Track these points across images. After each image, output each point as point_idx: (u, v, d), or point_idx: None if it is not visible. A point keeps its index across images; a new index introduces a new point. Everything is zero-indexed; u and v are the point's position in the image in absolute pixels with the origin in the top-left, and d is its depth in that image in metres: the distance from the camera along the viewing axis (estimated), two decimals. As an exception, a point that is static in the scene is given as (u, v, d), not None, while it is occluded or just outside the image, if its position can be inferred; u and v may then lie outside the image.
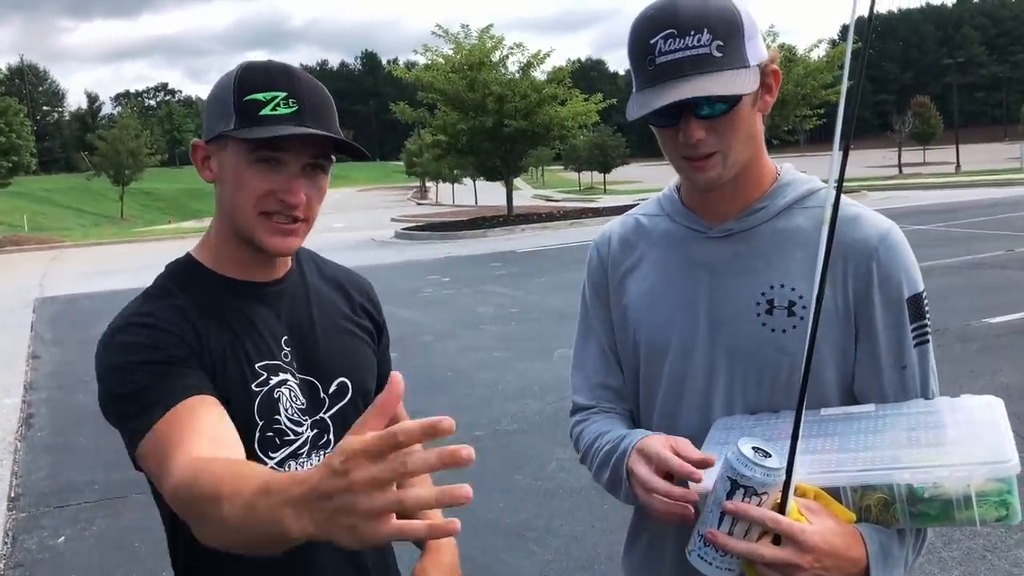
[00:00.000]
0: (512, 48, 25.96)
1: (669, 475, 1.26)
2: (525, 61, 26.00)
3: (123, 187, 55.67)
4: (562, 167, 74.45)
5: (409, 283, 14.20)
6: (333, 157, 1.40)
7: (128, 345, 1.31)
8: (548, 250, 18.42)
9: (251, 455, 1.33)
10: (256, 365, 1.38)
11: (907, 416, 1.27)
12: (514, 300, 11.94)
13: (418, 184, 75.27)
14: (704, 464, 1.22)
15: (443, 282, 14.27)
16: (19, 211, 44.80)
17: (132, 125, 56.45)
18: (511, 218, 26.25)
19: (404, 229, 26.39)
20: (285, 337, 1.44)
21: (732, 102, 1.29)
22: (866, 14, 1.19)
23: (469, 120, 24.98)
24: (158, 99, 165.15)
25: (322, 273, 1.59)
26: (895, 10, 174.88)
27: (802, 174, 1.47)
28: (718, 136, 1.31)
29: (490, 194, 48.34)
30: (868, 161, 68.86)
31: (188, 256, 1.48)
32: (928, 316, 1.37)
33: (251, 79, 1.33)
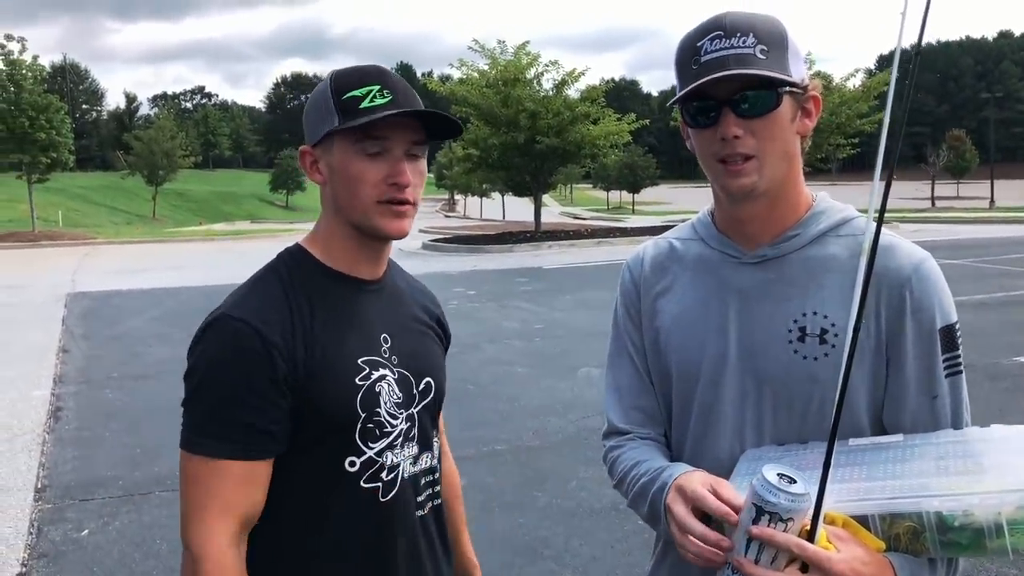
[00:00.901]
0: (547, 66, 26.09)
1: (705, 514, 1.25)
2: (559, 79, 26.10)
3: (156, 187, 56.38)
4: (591, 185, 74.44)
5: (435, 294, 14.19)
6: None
7: (228, 345, 1.38)
8: (574, 268, 18.42)
9: (351, 445, 1.44)
10: (359, 360, 1.46)
11: (936, 446, 1.27)
12: (539, 316, 11.94)
13: (447, 197, 75.58)
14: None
15: (468, 295, 14.30)
16: (55, 207, 45.45)
17: (168, 126, 57.25)
18: (538, 234, 26.28)
19: (432, 240, 26.49)
20: (385, 334, 1.52)
21: (772, 104, 1.31)
22: (909, 45, 1.21)
23: (501, 135, 25.09)
24: (195, 102, 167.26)
25: (407, 281, 1.70)
26: (934, 42, 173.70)
27: (837, 203, 1.47)
28: (756, 139, 1.32)
29: (518, 209, 48.43)
30: (901, 193, 68.21)
31: (299, 247, 1.54)
32: (960, 347, 1.37)
33: (346, 80, 1.43)
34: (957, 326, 1.37)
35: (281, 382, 1.38)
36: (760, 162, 1.33)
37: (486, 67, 25.99)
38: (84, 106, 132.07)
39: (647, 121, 26.98)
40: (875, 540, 1.16)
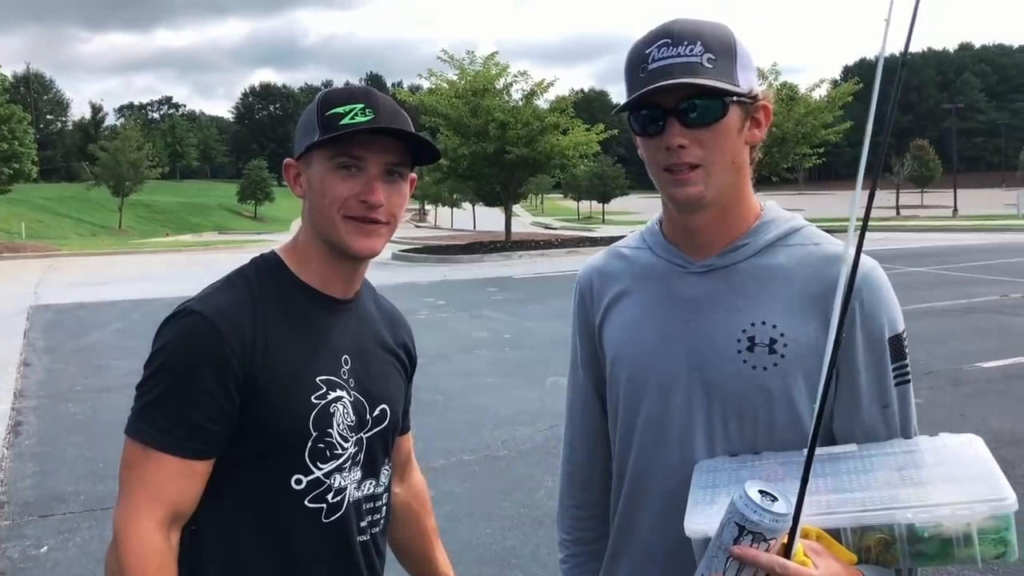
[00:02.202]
0: (516, 76, 26.19)
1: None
2: (528, 89, 26.21)
3: (122, 198, 55.71)
4: (561, 195, 74.74)
5: (404, 305, 13.98)
6: (413, 171, 1.51)
7: (187, 338, 1.38)
8: (545, 277, 18.45)
9: (299, 463, 1.43)
10: (318, 378, 1.45)
11: (892, 456, 1.27)
12: (509, 326, 11.94)
13: (417, 207, 75.47)
14: None
15: (438, 305, 14.26)
16: (17, 218, 44.75)
17: (134, 137, 56.60)
18: (509, 244, 26.31)
19: (401, 251, 26.42)
20: (346, 355, 1.51)
21: (718, 114, 1.30)
22: (889, 53, 1.19)
23: (471, 145, 25.13)
24: (162, 112, 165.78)
25: (377, 304, 1.68)
26: (896, 54, 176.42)
27: (785, 212, 1.47)
28: (702, 148, 1.31)
29: (489, 219, 48.47)
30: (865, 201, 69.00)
31: (274, 255, 1.54)
32: (908, 356, 1.37)
33: (333, 98, 1.45)
34: (905, 335, 1.37)
35: (232, 386, 1.37)
36: (706, 172, 1.32)
37: (455, 77, 26.03)
38: (48, 116, 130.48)
39: (616, 131, 27.12)
40: (847, 553, 1.16)
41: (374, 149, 1.42)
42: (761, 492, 1.10)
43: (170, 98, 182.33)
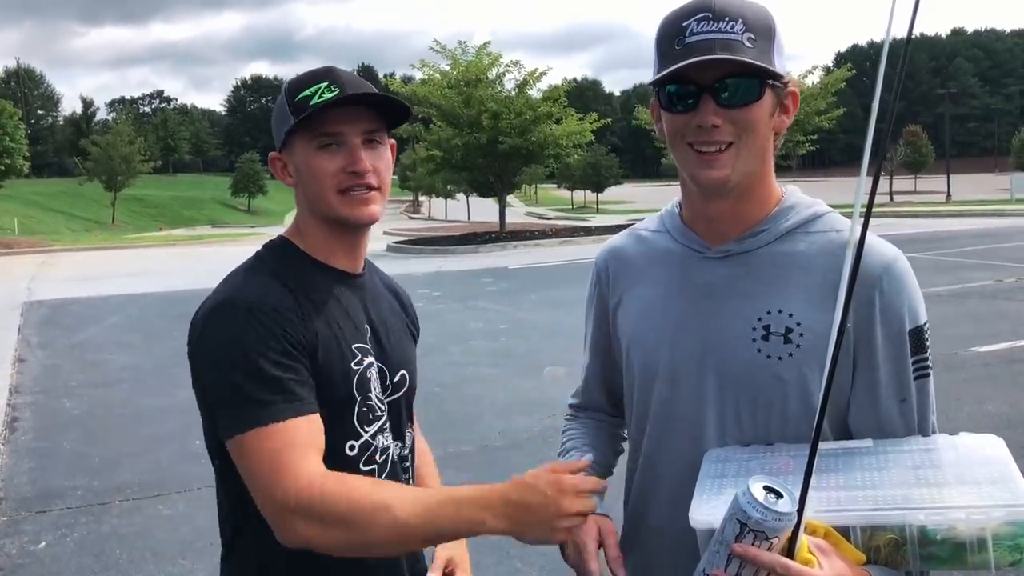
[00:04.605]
0: (509, 66, 26.10)
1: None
2: (521, 79, 26.12)
3: (115, 193, 55.49)
4: (555, 185, 74.67)
5: (400, 297, 14.14)
6: (387, 135, 1.54)
7: (246, 320, 1.37)
8: (539, 267, 18.44)
9: (350, 428, 1.48)
10: (353, 346, 1.50)
11: (909, 454, 1.25)
12: (504, 316, 11.93)
13: (411, 198, 75.32)
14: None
15: (433, 296, 14.25)
16: (9, 214, 44.55)
17: (126, 131, 56.35)
18: (503, 235, 26.27)
19: (396, 243, 26.37)
20: (366, 325, 1.56)
21: (755, 95, 1.26)
22: (890, 37, 1.18)
23: (464, 136, 25.05)
24: (153, 106, 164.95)
25: (381, 278, 1.75)
26: (895, 36, 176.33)
27: (807, 198, 1.43)
28: (735, 128, 1.27)
29: (483, 210, 48.40)
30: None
31: (282, 238, 1.58)
32: (929, 349, 1.33)
33: (298, 83, 1.49)
34: (926, 327, 1.33)
35: (301, 356, 1.40)
36: (736, 154, 1.28)
37: (448, 68, 25.94)
38: (40, 111, 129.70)
39: (609, 121, 27.08)
40: (855, 552, 1.13)
41: (348, 121, 1.46)
42: (766, 488, 1.07)
43: (162, 92, 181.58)
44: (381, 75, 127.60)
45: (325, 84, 1.45)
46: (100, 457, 6.17)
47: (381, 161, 1.50)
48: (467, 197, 49.82)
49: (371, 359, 1.53)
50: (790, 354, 1.31)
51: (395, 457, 1.58)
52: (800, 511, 1.08)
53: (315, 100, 1.44)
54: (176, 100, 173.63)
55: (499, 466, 5.68)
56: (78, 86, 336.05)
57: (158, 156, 78.01)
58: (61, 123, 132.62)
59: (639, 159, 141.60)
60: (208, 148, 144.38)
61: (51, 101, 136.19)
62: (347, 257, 1.57)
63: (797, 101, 1.35)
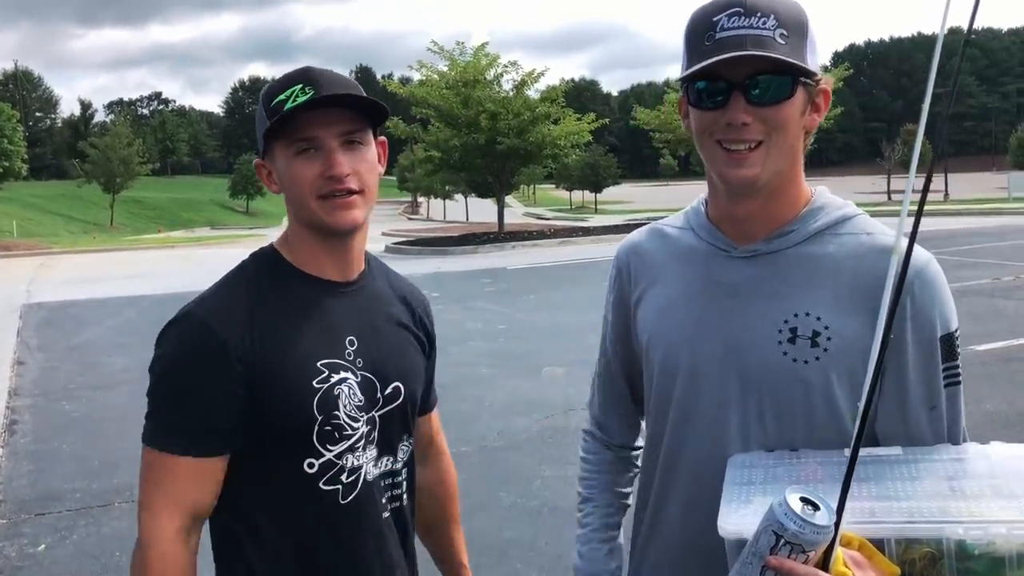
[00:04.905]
0: (506, 66, 26.10)
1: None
2: (519, 79, 26.13)
3: (113, 195, 55.45)
4: (553, 185, 74.66)
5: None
6: (371, 134, 1.49)
7: (184, 343, 1.42)
8: (538, 268, 18.43)
9: (309, 447, 1.45)
10: (318, 363, 1.46)
11: (941, 463, 1.22)
12: (503, 317, 11.93)
13: (410, 199, 75.29)
14: None
15: (432, 297, 14.19)
16: (8, 217, 44.51)
17: (124, 133, 56.26)
18: (502, 235, 26.27)
19: (394, 243, 26.36)
20: (351, 336, 1.52)
21: (787, 93, 1.23)
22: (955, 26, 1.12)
23: (462, 136, 25.06)
24: (151, 108, 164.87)
25: (390, 282, 1.70)
26: (886, 39, 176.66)
27: (837, 198, 1.39)
28: (765, 127, 1.24)
29: (481, 211, 48.38)
30: (857, 187, 69.38)
31: (271, 248, 1.56)
32: (960, 356, 1.30)
33: (274, 87, 1.46)
34: (957, 334, 1.30)
35: (236, 382, 1.40)
36: (766, 153, 1.25)
37: (446, 68, 25.95)
38: (38, 114, 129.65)
39: (607, 121, 27.08)
40: (890, 565, 1.10)
41: (324, 124, 1.42)
42: (803, 500, 1.04)
43: (160, 93, 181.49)
44: (379, 76, 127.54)
45: (299, 86, 1.42)
46: (99, 459, 6.16)
47: (362, 163, 1.46)
48: (465, 198, 49.80)
49: (345, 374, 1.48)
50: (816, 358, 1.28)
51: (371, 476, 1.53)
52: (837, 522, 1.05)
53: (289, 104, 1.41)
54: (174, 102, 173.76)
55: (497, 467, 5.69)
56: (76, 88, 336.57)
57: (156, 158, 78.03)
58: (59, 125, 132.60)
59: (637, 159, 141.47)
60: (206, 150, 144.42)
61: (49, 103, 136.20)
62: (335, 265, 1.54)
63: (829, 99, 1.32)
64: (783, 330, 1.30)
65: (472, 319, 11.83)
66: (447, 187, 47.62)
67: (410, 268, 19.27)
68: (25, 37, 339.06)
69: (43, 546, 4.73)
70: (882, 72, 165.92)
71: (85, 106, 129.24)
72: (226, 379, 1.40)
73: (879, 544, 1.11)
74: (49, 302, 15.40)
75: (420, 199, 69.19)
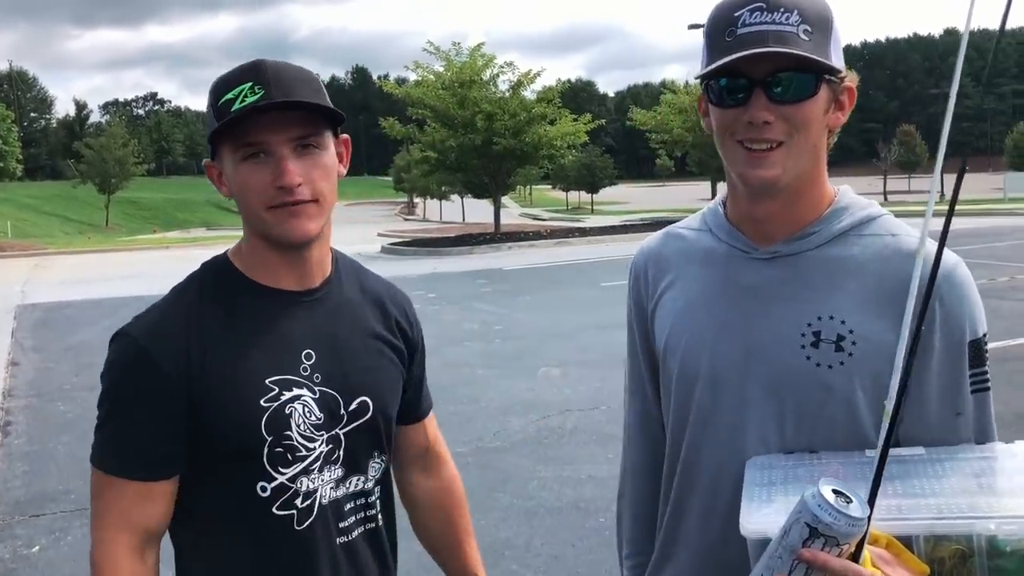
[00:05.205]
0: (503, 67, 26.10)
1: None
2: (515, 80, 26.13)
3: (109, 196, 55.35)
4: (550, 186, 74.67)
5: (394, 298, 14.14)
6: (329, 135, 1.38)
7: (120, 363, 1.36)
8: (534, 268, 18.42)
9: (260, 470, 1.36)
10: (267, 380, 1.36)
11: (967, 461, 1.19)
12: (499, 317, 11.92)
13: (406, 200, 75.27)
14: None
15: (428, 298, 14.23)
16: (3, 217, 44.37)
17: (120, 134, 56.16)
18: (498, 236, 26.27)
19: (391, 244, 26.34)
20: (308, 350, 1.41)
21: (810, 90, 1.20)
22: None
23: (458, 137, 25.05)
24: (147, 109, 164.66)
25: (363, 286, 1.56)
26: (882, 39, 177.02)
27: (861, 198, 1.35)
28: (787, 126, 1.20)
29: (477, 211, 48.37)
30: (854, 187, 69.27)
31: (224, 257, 1.46)
32: (988, 362, 1.28)
33: (222, 84, 1.34)
34: (985, 338, 1.27)
35: (174, 403, 1.33)
36: (788, 152, 1.21)
37: (442, 69, 25.95)
38: (32, 114, 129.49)
39: (603, 121, 27.11)
40: (919, 563, 1.07)
41: (274, 128, 1.30)
42: (835, 492, 1.01)
43: (155, 94, 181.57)
44: (375, 76, 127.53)
45: (248, 85, 1.29)
46: (94, 460, 6.14)
47: (316, 169, 1.33)
48: (462, 198, 49.78)
49: (299, 391, 1.38)
50: (841, 363, 1.24)
51: (328, 499, 1.42)
52: (869, 517, 1.02)
53: (236, 105, 1.29)
54: (170, 102, 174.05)
55: (494, 467, 5.68)
56: (72, 88, 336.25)
57: (152, 158, 77.93)
58: (54, 126, 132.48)
59: (633, 160, 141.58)
60: (202, 150, 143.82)
61: (44, 104, 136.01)
62: (293, 274, 1.42)
63: (854, 97, 1.28)
64: (806, 333, 1.26)
65: (468, 320, 11.82)
66: (443, 188, 47.60)
67: (406, 269, 19.26)
68: (21, 38, 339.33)
69: (37, 547, 4.71)
70: (878, 73, 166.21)
71: (80, 107, 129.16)
72: (162, 401, 1.32)
73: (906, 542, 1.09)
74: (44, 303, 15.36)
75: (416, 200, 69.13)
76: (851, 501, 1.01)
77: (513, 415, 6.90)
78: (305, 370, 1.40)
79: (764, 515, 1.12)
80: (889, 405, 1.08)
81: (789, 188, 1.26)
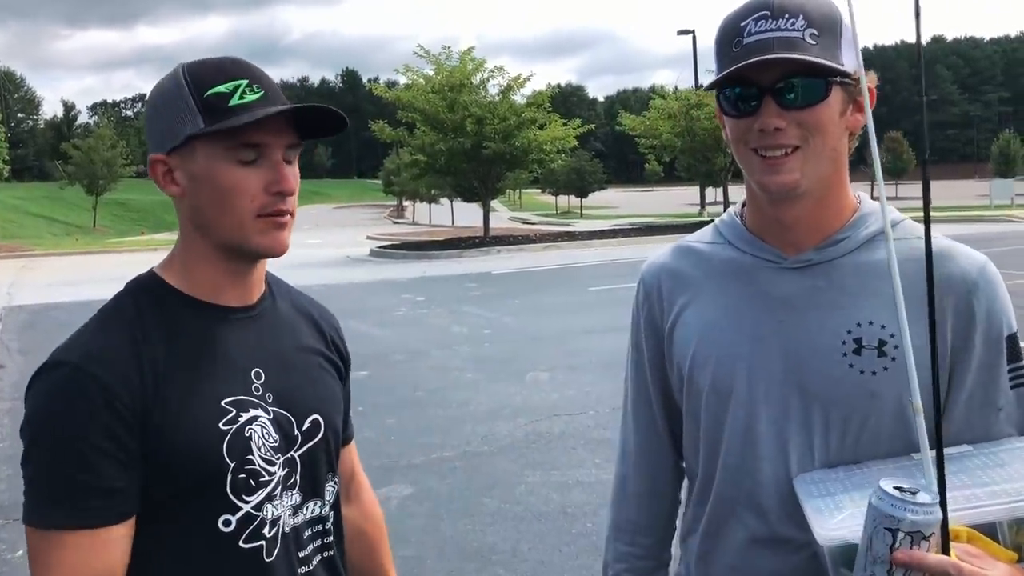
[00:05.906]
0: (493, 71, 26.13)
1: None
2: (505, 84, 26.17)
3: (96, 197, 55.12)
4: (539, 190, 74.76)
5: (383, 302, 14.14)
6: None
7: (61, 396, 1.18)
8: (524, 272, 18.43)
9: (223, 500, 1.24)
10: (223, 402, 1.26)
11: (1020, 449, 1.18)
12: (488, 321, 11.92)
13: (395, 203, 75.22)
14: None
15: (417, 301, 14.22)
16: (-11, 218, 44.22)
17: (108, 135, 55.95)
18: (487, 239, 26.26)
19: (380, 247, 26.29)
20: (257, 369, 1.32)
21: (820, 95, 1.19)
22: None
23: (448, 141, 25.04)
24: (136, 110, 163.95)
25: (294, 302, 1.48)
26: (870, 47, 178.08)
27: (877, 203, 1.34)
28: (800, 131, 1.20)
29: (467, 215, 48.39)
30: (841, 194, 69.82)
31: (151, 273, 1.33)
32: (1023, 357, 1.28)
33: (205, 74, 1.24)
34: (1017, 335, 1.27)
35: (125, 434, 1.18)
36: (804, 157, 1.21)
37: (432, 73, 25.96)
38: (20, 115, 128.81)
39: (593, 126, 27.15)
40: (1006, 552, 1.04)
41: (273, 132, 1.23)
42: (897, 488, 0.99)
43: (144, 95, 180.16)
44: (365, 80, 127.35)
45: (245, 82, 1.22)
46: (79, 464, 6.10)
47: (296, 181, 1.27)
48: (451, 202, 49.81)
49: (256, 412, 1.28)
50: (885, 368, 1.22)
51: (288, 527, 1.31)
52: (944, 516, 0.99)
53: (236, 101, 1.20)
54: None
55: (480, 471, 5.67)
56: (60, 89, 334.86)
57: (140, 160, 77.48)
58: (42, 127, 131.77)
59: (623, 164, 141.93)
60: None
61: (32, 104, 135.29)
62: (236, 289, 1.32)
63: (874, 97, 1.25)
64: (847, 341, 1.24)
65: (457, 323, 11.81)
66: (433, 191, 47.60)
67: (395, 272, 19.24)
68: (12, 37, 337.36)
69: (20, 552, 4.66)
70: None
71: (68, 107, 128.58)
72: (113, 432, 1.17)
73: (986, 531, 1.06)
74: (31, 305, 15.27)
75: (406, 203, 69.04)
76: (916, 492, 0.99)
77: (501, 419, 6.89)
78: (257, 389, 1.31)
79: (839, 521, 1.10)
80: (916, 400, 1.06)
81: (811, 193, 1.25)
